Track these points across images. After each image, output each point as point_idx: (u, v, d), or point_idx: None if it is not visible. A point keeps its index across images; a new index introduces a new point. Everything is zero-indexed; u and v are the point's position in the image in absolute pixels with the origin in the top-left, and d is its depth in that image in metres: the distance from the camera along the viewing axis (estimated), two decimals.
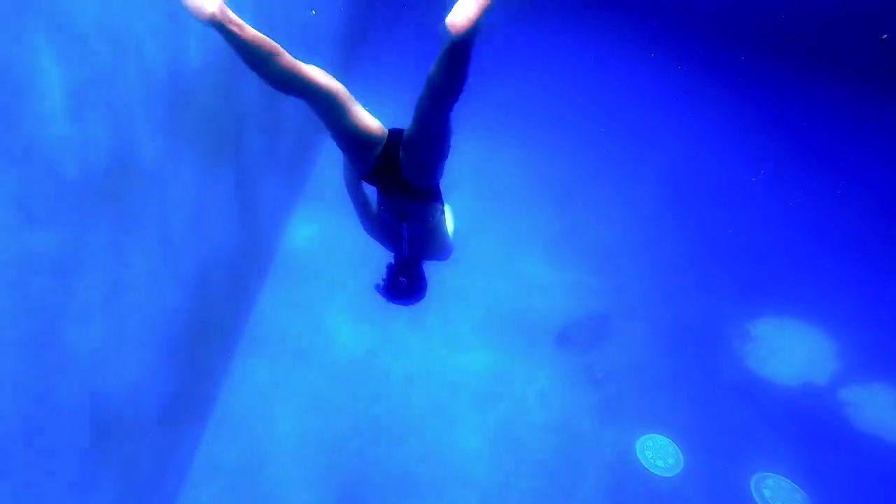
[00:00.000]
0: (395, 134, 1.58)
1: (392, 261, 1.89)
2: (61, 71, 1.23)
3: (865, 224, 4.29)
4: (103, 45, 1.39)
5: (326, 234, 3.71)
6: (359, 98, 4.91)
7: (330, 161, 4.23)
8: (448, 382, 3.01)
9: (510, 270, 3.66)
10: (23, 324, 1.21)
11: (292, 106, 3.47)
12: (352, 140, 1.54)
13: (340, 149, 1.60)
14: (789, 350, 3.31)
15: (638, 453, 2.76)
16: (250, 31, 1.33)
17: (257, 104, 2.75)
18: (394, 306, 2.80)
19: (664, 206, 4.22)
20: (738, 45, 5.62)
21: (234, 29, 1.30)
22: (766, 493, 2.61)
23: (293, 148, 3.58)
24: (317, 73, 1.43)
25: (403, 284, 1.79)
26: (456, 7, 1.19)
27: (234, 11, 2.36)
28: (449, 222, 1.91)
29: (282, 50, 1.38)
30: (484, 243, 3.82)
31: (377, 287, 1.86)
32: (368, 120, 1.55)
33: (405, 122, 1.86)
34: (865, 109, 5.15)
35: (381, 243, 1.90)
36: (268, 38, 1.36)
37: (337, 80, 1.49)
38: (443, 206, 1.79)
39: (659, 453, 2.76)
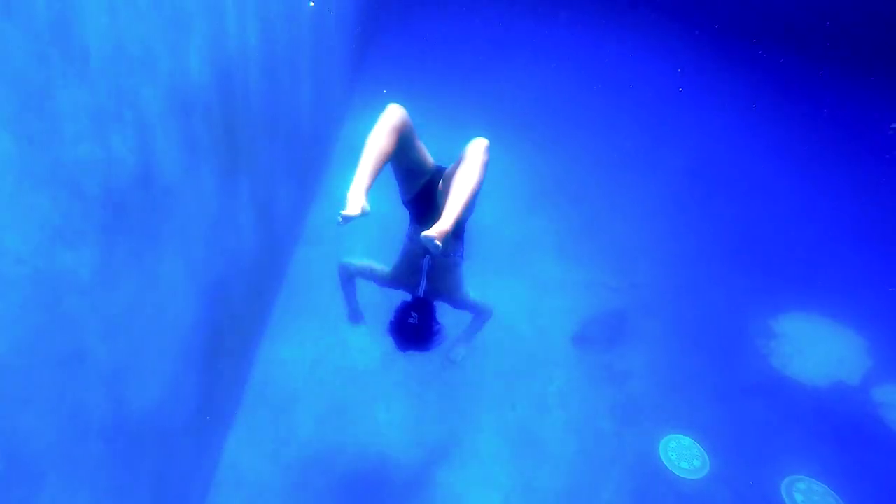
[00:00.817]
0: (440, 169, 1.82)
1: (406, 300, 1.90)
2: (83, 91, 1.24)
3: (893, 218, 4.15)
4: (120, 63, 1.39)
5: (341, 239, 3.72)
6: (370, 91, 4.90)
7: (343, 166, 4.23)
8: (465, 384, 2.99)
9: (525, 270, 3.63)
10: (54, 342, 1.23)
11: (305, 113, 3.48)
12: (409, 168, 1.78)
13: (397, 173, 1.82)
14: (816, 347, 3.23)
15: (661, 454, 2.71)
16: (373, 171, 1.58)
17: (269, 112, 2.76)
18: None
19: (682, 201, 4.14)
20: (753, 36, 5.46)
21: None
22: (798, 497, 2.55)
23: (306, 154, 3.58)
24: (403, 120, 1.67)
25: (414, 320, 1.78)
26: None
27: (237, 8, 2.35)
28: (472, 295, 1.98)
29: (392, 146, 1.62)
30: (498, 242, 3.79)
31: (388, 328, 1.84)
32: (426, 153, 1.83)
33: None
34: (888, 101, 4.96)
35: (400, 284, 1.94)
36: (381, 153, 1.60)
37: (404, 110, 1.69)
38: (464, 247, 1.92)
39: (683, 454, 2.72)
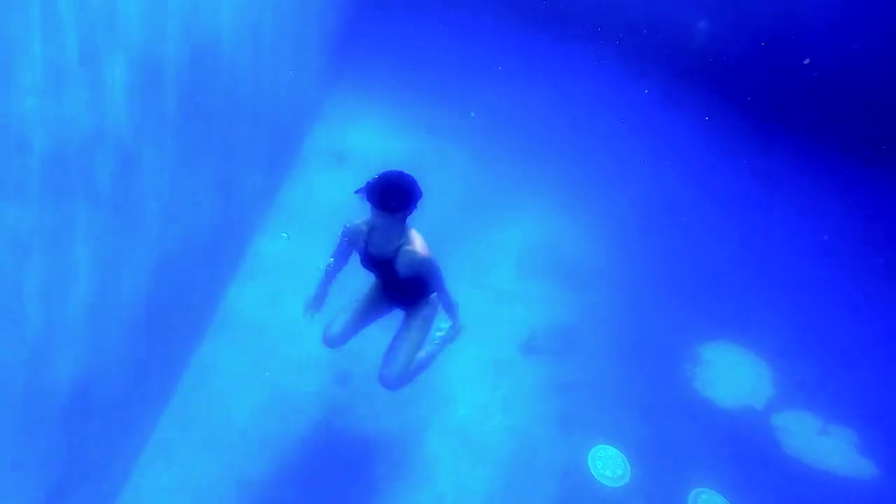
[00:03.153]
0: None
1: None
2: (41, 46, 1.19)
3: (810, 267, 4.65)
4: (86, 23, 1.35)
5: (303, 229, 3.67)
6: (350, 85, 4.85)
7: (312, 156, 4.17)
8: (413, 385, 3.05)
9: (483, 280, 3.75)
10: None
11: (281, 101, 3.41)
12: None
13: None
14: (732, 374, 3.58)
15: (589, 463, 2.90)
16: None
17: (248, 93, 2.70)
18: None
19: (634, 230, 4.43)
20: (712, 82, 5.93)
21: None
22: None
23: (278, 140, 3.52)
24: None
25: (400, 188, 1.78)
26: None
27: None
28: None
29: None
30: (459, 251, 3.89)
31: (378, 178, 1.81)
32: None
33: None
34: (821, 158, 5.55)
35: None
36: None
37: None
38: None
39: (608, 464, 2.92)
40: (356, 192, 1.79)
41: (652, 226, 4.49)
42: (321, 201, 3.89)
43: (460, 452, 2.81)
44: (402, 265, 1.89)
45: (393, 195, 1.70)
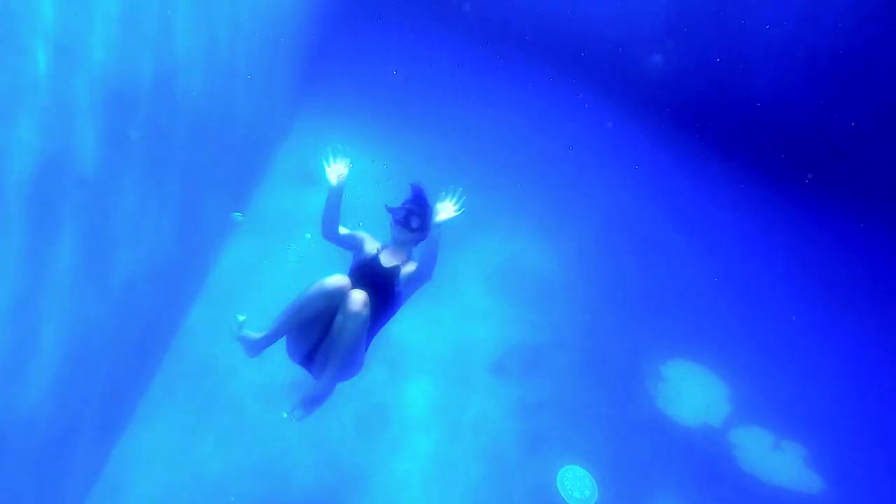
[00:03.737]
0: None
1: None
2: None
3: (767, 290, 4.95)
4: (44, 51, 1.32)
5: (266, 257, 3.59)
6: (319, 116, 4.86)
7: (276, 183, 4.12)
8: (383, 405, 3.01)
9: (455, 299, 3.78)
10: None
11: (247, 125, 3.39)
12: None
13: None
14: (692, 392, 3.73)
15: (558, 483, 2.93)
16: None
17: (210, 123, 2.67)
18: None
19: (599, 250, 4.60)
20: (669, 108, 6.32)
21: None
22: None
23: (240, 168, 3.48)
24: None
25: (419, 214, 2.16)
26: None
27: (189, 15, 2.29)
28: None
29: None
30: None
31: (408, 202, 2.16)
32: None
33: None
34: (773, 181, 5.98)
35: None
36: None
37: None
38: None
39: (577, 484, 2.96)
40: (387, 208, 2.16)
41: (616, 247, 4.68)
42: (290, 219, 3.84)
43: (431, 475, 2.78)
44: (406, 273, 2.15)
45: (416, 218, 2.11)
